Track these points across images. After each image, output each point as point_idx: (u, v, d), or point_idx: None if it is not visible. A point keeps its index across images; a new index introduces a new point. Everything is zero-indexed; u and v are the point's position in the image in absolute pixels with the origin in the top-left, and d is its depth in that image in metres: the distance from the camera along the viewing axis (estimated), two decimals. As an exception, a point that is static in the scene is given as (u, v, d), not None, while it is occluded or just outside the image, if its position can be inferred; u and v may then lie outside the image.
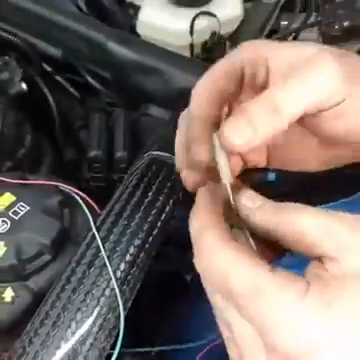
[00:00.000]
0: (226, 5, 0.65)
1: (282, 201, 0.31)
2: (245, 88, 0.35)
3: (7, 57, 0.60)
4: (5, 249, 0.42)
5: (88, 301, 0.39)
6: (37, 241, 0.43)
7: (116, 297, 0.39)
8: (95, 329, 0.38)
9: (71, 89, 0.62)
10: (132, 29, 0.68)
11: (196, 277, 0.52)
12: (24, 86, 0.59)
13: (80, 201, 0.45)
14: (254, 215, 0.29)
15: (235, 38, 0.62)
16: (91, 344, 0.38)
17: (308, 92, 0.30)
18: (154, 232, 0.43)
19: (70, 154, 0.60)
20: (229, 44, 0.61)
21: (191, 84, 0.56)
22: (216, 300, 0.29)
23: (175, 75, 0.55)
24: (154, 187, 0.45)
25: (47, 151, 0.59)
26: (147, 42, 0.61)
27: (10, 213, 0.44)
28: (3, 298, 0.42)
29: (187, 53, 0.63)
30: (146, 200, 0.45)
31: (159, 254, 0.46)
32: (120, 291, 0.39)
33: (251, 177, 0.46)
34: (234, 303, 0.28)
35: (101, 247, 0.41)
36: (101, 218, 0.44)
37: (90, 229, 0.43)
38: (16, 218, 0.44)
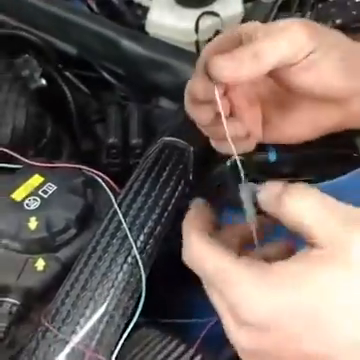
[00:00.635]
0: (228, 5, 0.70)
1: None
2: None
3: (27, 55, 0.65)
4: (36, 223, 0.47)
5: (112, 267, 0.44)
6: (64, 216, 0.48)
7: (137, 263, 0.44)
8: (119, 291, 0.43)
9: (83, 85, 0.66)
10: (141, 28, 0.73)
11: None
12: (44, 82, 0.63)
13: (101, 181, 0.50)
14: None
15: None
16: (116, 304, 0.43)
17: (280, 46, 0.37)
18: (169, 208, 0.48)
19: (87, 145, 0.65)
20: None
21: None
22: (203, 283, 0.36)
23: (183, 69, 0.60)
24: (167, 168, 0.50)
25: (66, 142, 0.63)
26: (157, 39, 0.66)
27: (40, 192, 0.49)
28: (36, 267, 0.46)
29: (193, 49, 0.67)
30: (161, 179, 0.49)
31: (169, 236, 0.51)
32: (140, 258, 0.44)
33: (254, 159, 0.51)
34: (210, 284, 0.35)
35: (122, 220, 0.46)
36: (121, 196, 0.49)
37: (112, 206, 0.47)
38: (45, 196, 0.48)
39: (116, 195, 0.49)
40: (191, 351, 0.48)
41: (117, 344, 0.42)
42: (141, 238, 0.45)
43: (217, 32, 0.66)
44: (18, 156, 0.51)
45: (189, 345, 0.49)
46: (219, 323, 0.37)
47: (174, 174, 0.50)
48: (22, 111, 0.58)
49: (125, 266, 0.44)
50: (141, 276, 0.44)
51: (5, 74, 0.61)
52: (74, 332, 0.41)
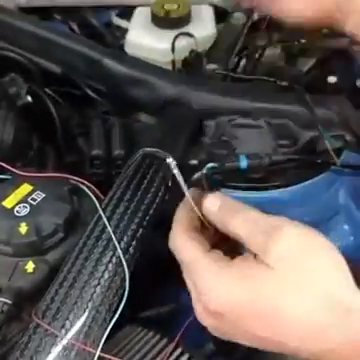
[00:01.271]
0: (202, 27, 0.74)
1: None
2: None
3: (14, 74, 0.68)
4: (26, 228, 0.50)
5: (98, 267, 0.47)
6: (52, 221, 0.51)
7: (121, 263, 0.47)
8: (104, 289, 0.46)
9: (67, 102, 0.70)
10: (120, 48, 0.77)
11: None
12: (29, 99, 0.67)
13: (86, 189, 0.54)
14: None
15: (210, 54, 0.71)
16: (102, 300, 0.46)
17: None
18: (150, 212, 0.51)
19: (70, 157, 0.68)
20: (205, 59, 0.70)
21: (175, 93, 0.66)
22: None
23: (161, 86, 0.64)
24: (148, 176, 0.54)
25: (51, 154, 0.67)
26: (136, 58, 0.69)
27: (29, 199, 0.52)
28: (26, 269, 0.49)
29: (170, 68, 0.72)
30: (142, 186, 0.53)
31: (153, 236, 0.54)
32: (124, 258, 0.47)
33: (226, 166, 0.56)
34: (185, 272, 0.42)
35: (107, 224, 0.49)
36: (105, 202, 0.52)
37: (97, 211, 0.51)
38: (34, 203, 0.52)
39: (100, 201, 0.52)
40: (172, 344, 0.52)
41: (103, 336, 0.45)
42: (125, 239, 0.49)
43: (192, 51, 0.71)
44: (8, 167, 0.54)
45: (171, 338, 0.53)
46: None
47: (154, 181, 0.54)
48: (10, 126, 0.61)
49: (110, 265, 0.47)
50: (125, 275, 0.47)
51: (-7, 92, 0.64)
52: (63, 327, 0.44)
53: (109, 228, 0.49)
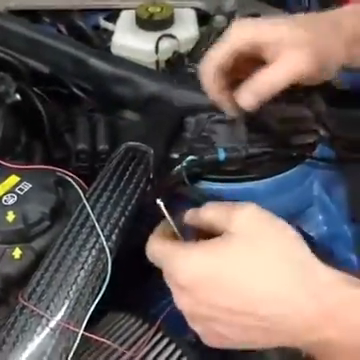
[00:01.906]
0: (184, 29, 0.77)
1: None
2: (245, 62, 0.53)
3: (2, 73, 0.71)
4: (14, 217, 0.52)
5: (82, 252, 0.49)
6: (38, 210, 0.53)
7: (104, 249, 0.50)
8: (87, 273, 0.48)
9: (54, 100, 0.73)
10: (107, 50, 0.79)
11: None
12: (18, 97, 0.69)
13: (71, 180, 0.57)
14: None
15: (192, 55, 0.74)
16: (85, 284, 0.48)
17: (292, 75, 0.50)
18: (132, 202, 0.54)
19: (57, 153, 0.71)
20: (187, 59, 0.73)
21: (157, 91, 0.69)
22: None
23: (144, 84, 0.66)
24: (130, 168, 0.56)
25: (38, 150, 0.69)
26: (121, 57, 0.72)
27: (16, 190, 0.54)
28: (13, 256, 0.51)
29: (154, 68, 0.75)
30: (124, 178, 0.55)
31: (133, 230, 0.57)
32: (106, 245, 0.50)
33: (205, 159, 0.58)
34: (162, 266, 0.45)
35: (90, 212, 0.52)
36: (89, 191, 0.54)
37: (81, 200, 0.54)
38: (21, 193, 0.54)
39: (84, 192, 0.55)
40: (153, 329, 0.54)
41: (86, 317, 0.48)
42: (107, 227, 0.51)
43: (175, 52, 0.74)
44: (-4, 159, 0.57)
45: (151, 324, 0.55)
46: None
47: (136, 173, 0.56)
48: (-1, 123, 0.64)
49: (93, 251, 0.49)
50: (108, 259, 0.50)
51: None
52: (49, 308, 0.46)
53: (92, 216, 0.52)
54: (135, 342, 0.54)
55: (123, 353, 0.52)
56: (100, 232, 0.51)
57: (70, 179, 0.57)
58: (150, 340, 0.54)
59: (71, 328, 0.46)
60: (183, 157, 0.59)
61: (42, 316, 0.46)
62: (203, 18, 0.81)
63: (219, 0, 0.81)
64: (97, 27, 0.86)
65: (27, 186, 0.55)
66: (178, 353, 0.53)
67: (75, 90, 0.70)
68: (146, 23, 0.76)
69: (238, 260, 0.40)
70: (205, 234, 0.46)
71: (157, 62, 0.74)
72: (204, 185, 0.59)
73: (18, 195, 0.54)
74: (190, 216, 0.48)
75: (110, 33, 0.83)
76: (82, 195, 0.54)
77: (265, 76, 0.50)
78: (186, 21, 0.79)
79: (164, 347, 0.53)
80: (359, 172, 0.64)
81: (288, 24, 0.52)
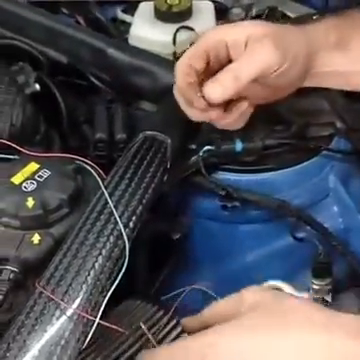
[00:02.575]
0: (202, 21, 0.77)
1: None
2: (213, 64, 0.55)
3: (22, 63, 0.72)
4: (33, 203, 0.53)
5: (100, 239, 0.50)
6: (57, 197, 0.54)
7: (121, 235, 0.50)
8: (105, 259, 0.49)
9: (72, 90, 0.73)
10: (125, 42, 0.80)
11: (183, 237, 0.65)
12: (37, 87, 0.70)
13: (90, 168, 0.57)
14: None
15: None
16: (102, 270, 0.49)
17: (256, 67, 0.51)
18: (149, 190, 0.55)
19: (75, 142, 0.72)
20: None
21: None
22: None
23: (162, 75, 0.67)
24: (148, 157, 0.57)
25: (56, 139, 0.70)
26: (139, 48, 0.73)
27: (36, 177, 0.55)
28: (32, 241, 0.52)
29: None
30: (142, 166, 0.56)
31: (151, 217, 0.58)
32: (124, 231, 0.51)
33: (222, 149, 0.59)
34: None
35: (108, 199, 0.52)
36: (107, 180, 0.55)
37: (99, 189, 0.54)
38: (41, 180, 0.55)
39: (103, 180, 0.56)
40: (167, 316, 0.55)
41: (103, 302, 0.48)
42: (125, 215, 0.52)
43: (192, 44, 0.74)
44: (16, 146, 0.58)
45: (166, 310, 0.55)
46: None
47: (154, 162, 0.57)
48: (19, 110, 0.64)
49: (111, 237, 0.50)
50: (125, 245, 0.50)
51: (3, 78, 0.68)
52: (67, 292, 0.47)
53: (110, 203, 0.52)
54: (150, 329, 0.54)
55: (138, 338, 0.52)
56: (118, 218, 0.51)
57: (89, 167, 0.57)
58: (164, 327, 0.54)
59: (87, 316, 0.47)
60: (200, 147, 0.59)
61: (60, 302, 0.47)
62: (221, 11, 0.82)
63: (237, -7, 0.81)
64: (115, 19, 0.87)
65: (46, 173, 0.56)
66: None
67: (93, 80, 0.70)
68: (165, 15, 0.77)
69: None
70: None
71: (175, 54, 0.74)
72: (221, 175, 0.60)
73: (38, 182, 0.55)
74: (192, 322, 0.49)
75: (128, 25, 0.83)
76: (100, 183, 0.54)
77: (229, 69, 0.52)
78: (204, 13, 0.79)
79: (178, 334, 0.54)
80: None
81: (251, 22, 0.60)
